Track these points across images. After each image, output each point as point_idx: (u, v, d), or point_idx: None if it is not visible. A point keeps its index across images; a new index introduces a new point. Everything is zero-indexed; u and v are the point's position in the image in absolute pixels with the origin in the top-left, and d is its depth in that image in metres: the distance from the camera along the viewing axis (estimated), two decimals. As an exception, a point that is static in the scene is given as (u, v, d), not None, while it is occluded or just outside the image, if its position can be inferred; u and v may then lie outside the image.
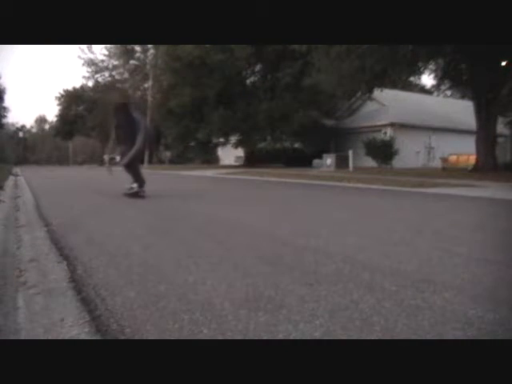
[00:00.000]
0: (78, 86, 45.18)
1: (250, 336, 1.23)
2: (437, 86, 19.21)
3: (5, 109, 38.73)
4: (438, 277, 1.81)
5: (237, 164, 25.69)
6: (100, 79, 41.40)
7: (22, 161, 49.52)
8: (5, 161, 40.03)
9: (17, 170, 20.08)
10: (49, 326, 1.34)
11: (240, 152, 26.29)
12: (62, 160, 54.62)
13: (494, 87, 12.51)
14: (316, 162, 19.32)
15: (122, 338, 1.23)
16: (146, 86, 36.19)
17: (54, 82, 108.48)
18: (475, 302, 1.48)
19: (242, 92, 22.47)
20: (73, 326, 1.34)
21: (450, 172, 12.82)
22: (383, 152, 17.56)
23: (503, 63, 12.13)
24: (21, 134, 61.78)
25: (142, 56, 38.73)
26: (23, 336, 1.29)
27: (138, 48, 37.75)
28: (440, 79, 16.23)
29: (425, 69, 14.70)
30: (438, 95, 30.12)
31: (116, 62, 40.04)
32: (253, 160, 23.82)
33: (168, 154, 32.32)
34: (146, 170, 5.89)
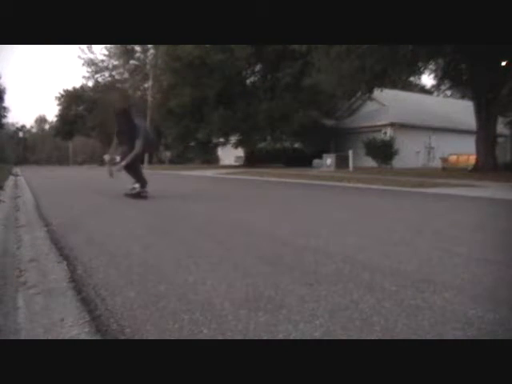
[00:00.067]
0: (78, 85, 45.27)
1: (250, 336, 1.23)
2: (437, 86, 19.22)
3: (5, 109, 38.76)
4: (438, 277, 1.81)
5: (237, 164, 25.70)
6: (100, 79, 41.44)
7: (21, 161, 49.53)
8: (5, 161, 40.03)
9: (17, 170, 20.09)
10: (49, 326, 1.34)
11: (240, 152, 26.29)
12: (62, 160, 54.63)
13: (493, 87, 12.51)
14: (316, 161, 19.33)
15: (122, 337, 1.23)
16: (146, 85, 36.19)
17: (54, 81, 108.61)
18: (475, 302, 1.48)
19: (241, 92, 22.47)
20: (73, 326, 1.34)
21: (450, 172, 12.82)
22: (383, 152, 17.56)
23: (503, 63, 12.13)
24: (21, 134, 61.78)
25: (141, 56, 38.75)
26: (23, 336, 1.29)
27: (138, 48, 37.77)
28: (440, 79, 16.23)
29: (425, 69, 14.70)
30: (438, 95, 30.12)
31: (116, 62, 40.06)
32: (253, 160, 23.82)
33: (168, 153, 32.33)
34: (146, 170, 5.89)
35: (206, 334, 1.25)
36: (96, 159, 45.26)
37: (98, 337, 1.26)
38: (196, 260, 2.12)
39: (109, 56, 39.63)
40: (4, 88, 36.94)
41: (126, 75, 40.06)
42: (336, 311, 1.41)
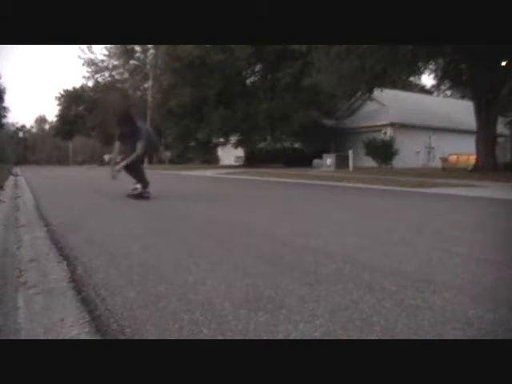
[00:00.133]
0: (78, 85, 45.26)
1: (250, 336, 1.23)
2: (437, 86, 19.22)
3: (5, 109, 38.73)
4: (438, 277, 1.81)
5: (237, 164, 25.69)
6: (100, 79, 41.48)
7: (21, 161, 49.50)
8: (5, 161, 40.01)
9: (17, 170, 20.09)
10: (49, 326, 1.34)
11: (240, 152, 26.29)
12: (62, 160, 54.60)
13: (494, 87, 12.51)
14: (316, 161, 19.33)
15: (122, 337, 1.23)
16: (146, 86, 36.21)
17: (54, 81, 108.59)
18: (475, 302, 1.48)
19: (242, 92, 22.47)
20: (73, 326, 1.34)
21: (450, 172, 12.82)
22: (383, 152, 17.56)
23: (503, 63, 12.13)
24: (21, 134, 61.76)
25: (142, 56, 38.77)
26: (23, 336, 1.29)
27: (138, 48, 37.78)
28: (440, 79, 16.23)
29: (425, 69, 14.71)
30: (438, 95, 30.12)
31: (116, 62, 40.09)
32: (253, 160, 23.83)
33: (168, 153, 32.32)
34: (146, 170, 5.88)
35: (206, 333, 1.25)
36: (96, 159, 45.24)
37: (98, 337, 1.26)
38: (196, 260, 2.12)
39: (109, 56, 39.67)
40: (4, 88, 36.93)
41: (126, 75, 40.09)
42: (336, 311, 1.41)
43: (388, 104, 20.52)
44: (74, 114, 43.90)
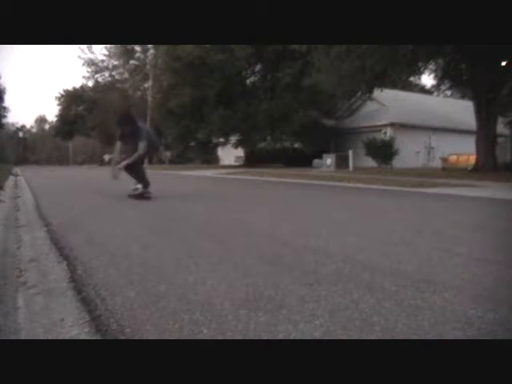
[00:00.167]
0: (78, 85, 45.24)
1: (250, 336, 1.23)
2: (437, 86, 19.22)
3: (5, 109, 38.69)
4: (438, 277, 1.81)
5: (237, 164, 25.69)
6: (100, 79, 41.48)
7: (22, 161, 49.47)
8: (5, 161, 39.99)
9: (17, 170, 20.09)
10: (49, 326, 1.34)
11: (240, 152, 26.29)
12: (62, 160, 54.58)
13: (494, 87, 12.51)
14: (316, 161, 19.33)
15: (122, 337, 1.23)
16: (146, 86, 36.21)
17: (54, 81, 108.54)
18: (475, 302, 1.48)
19: (242, 92, 22.47)
20: (73, 326, 1.34)
21: (450, 172, 12.82)
22: (383, 152, 17.56)
23: (503, 63, 12.13)
24: (21, 134, 61.74)
25: (142, 56, 38.77)
26: (23, 336, 1.29)
27: (138, 48, 37.79)
28: (440, 79, 16.23)
29: (425, 69, 14.70)
30: (438, 95, 30.12)
31: (116, 62, 40.09)
32: (253, 160, 23.82)
33: (168, 153, 32.33)
34: (146, 170, 5.88)
35: (206, 333, 1.25)
36: (96, 159, 45.22)
37: (98, 337, 1.26)
38: (196, 260, 2.12)
39: (109, 56, 39.68)
40: (4, 88, 36.90)
41: (126, 75, 40.10)
42: (336, 311, 1.41)
43: (388, 104, 20.51)
44: (74, 114, 43.89)
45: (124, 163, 5.30)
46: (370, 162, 18.06)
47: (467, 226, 3.40)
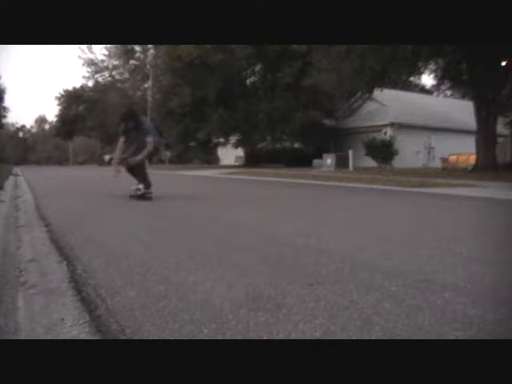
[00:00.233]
0: (78, 85, 45.20)
1: (250, 336, 1.23)
2: (437, 86, 19.24)
3: (5, 109, 38.65)
4: (438, 277, 1.81)
5: (237, 164, 25.70)
6: (100, 79, 41.50)
7: (22, 161, 49.47)
8: (5, 161, 39.98)
9: (17, 170, 20.08)
10: (49, 326, 1.34)
11: (240, 152, 26.29)
12: (62, 160, 54.54)
13: (493, 87, 12.51)
14: (316, 161, 19.33)
15: (122, 337, 1.23)
16: (145, 86, 36.21)
17: (54, 81, 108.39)
18: (475, 302, 1.48)
19: (241, 92, 22.48)
20: (73, 326, 1.34)
21: (450, 172, 12.82)
22: (383, 152, 17.56)
23: (503, 63, 12.13)
24: (21, 134, 61.76)
25: (141, 56, 38.78)
26: (23, 336, 1.29)
27: (138, 48, 37.81)
28: (440, 79, 16.24)
29: (425, 69, 14.72)
30: (437, 95, 30.10)
31: (116, 62, 40.11)
32: (253, 160, 23.83)
33: (168, 153, 32.33)
34: (147, 170, 5.86)
35: (205, 333, 1.24)
36: (96, 159, 45.22)
37: (98, 337, 1.26)
38: (196, 260, 2.12)
39: (109, 56, 39.71)
40: (4, 88, 36.87)
41: (126, 75, 40.11)
42: (336, 311, 1.41)
43: (388, 104, 20.51)
44: (73, 114, 43.85)
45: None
46: (369, 162, 18.06)
47: (467, 225, 3.40)
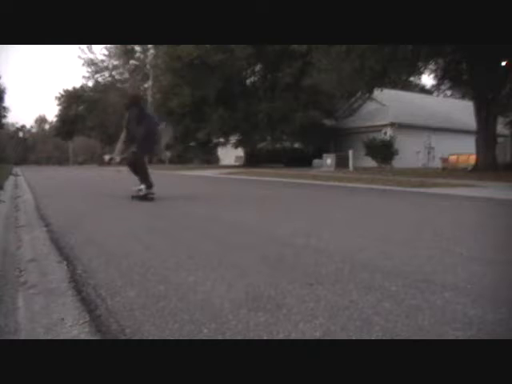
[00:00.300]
0: (78, 85, 45.17)
1: (250, 336, 1.23)
2: (437, 86, 19.24)
3: (5, 109, 38.62)
4: (438, 277, 1.81)
5: (237, 164, 25.69)
6: (100, 79, 41.49)
7: (22, 161, 49.46)
8: (5, 161, 39.97)
9: (17, 170, 20.08)
10: (49, 326, 1.34)
11: (240, 152, 26.29)
12: (62, 160, 54.51)
13: (494, 87, 12.51)
14: (316, 161, 19.33)
15: (122, 337, 1.23)
16: (145, 86, 36.21)
17: (54, 81, 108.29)
18: (475, 302, 1.48)
19: (241, 92, 22.48)
20: (73, 326, 1.34)
21: (450, 172, 12.81)
22: (383, 152, 17.56)
23: (503, 63, 12.13)
24: (21, 134, 61.75)
25: (141, 56, 38.78)
26: (23, 336, 1.29)
27: (138, 48, 37.80)
28: (440, 79, 16.24)
29: (425, 69, 14.72)
30: (437, 95, 30.10)
31: (116, 62, 40.10)
32: (253, 160, 23.82)
33: (168, 153, 32.32)
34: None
35: (205, 333, 1.24)
36: (96, 159, 45.19)
37: (98, 337, 1.26)
38: (196, 260, 2.12)
39: (109, 56, 39.70)
40: (4, 88, 36.84)
41: (126, 75, 40.10)
42: (336, 311, 1.41)
43: (388, 104, 20.51)
44: (73, 114, 43.82)
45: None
46: (369, 162, 18.06)
47: (467, 225, 3.41)
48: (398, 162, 17.70)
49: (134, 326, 1.30)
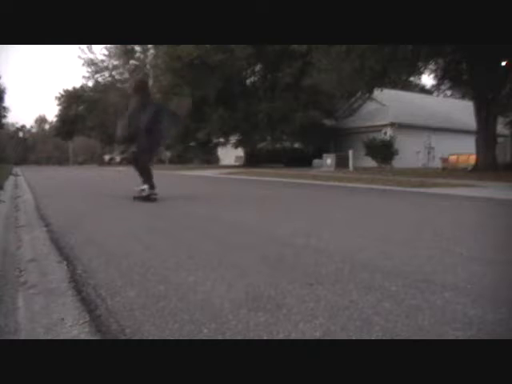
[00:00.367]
0: (78, 85, 45.17)
1: (250, 336, 1.23)
2: (437, 86, 19.25)
3: (5, 109, 38.65)
4: (438, 277, 1.81)
5: (237, 164, 25.70)
6: (100, 79, 41.47)
7: (22, 161, 49.45)
8: (5, 161, 39.97)
9: (17, 170, 20.08)
10: (49, 326, 1.34)
11: (240, 152, 26.30)
12: (62, 160, 54.51)
13: (494, 87, 12.51)
14: (316, 161, 19.34)
15: (122, 337, 1.23)
16: (145, 85, 36.10)
17: (54, 81, 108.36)
18: (475, 302, 1.48)
19: (241, 92, 22.49)
20: (73, 326, 1.34)
21: (450, 172, 12.81)
22: (383, 152, 17.57)
23: (503, 63, 12.14)
24: (21, 134, 61.76)
25: (141, 56, 38.76)
26: (23, 336, 1.29)
27: (138, 48, 37.79)
28: (440, 79, 16.25)
29: (425, 69, 14.72)
30: (437, 95, 30.10)
31: (116, 62, 40.09)
32: (253, 160, 23.83)
33: (168, 153, 32.32)
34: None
35: (206, 333, 1.24)
36: (96, 159, 45.19)
37: (98, 337, 1.26)
38: (196, 260, 2.12)
39: (109, 56, 39.69)
40: (4, 88, 36.86)
41: (126, 75, 40.07)
42: (336, 311, 1.41)
43: (388, 104, 20.52)
44: (74, 114, 43.81)
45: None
46: (369, 162, 18.06)
47: (467, 225, 3.41)
48: (398, 162, 17.71)
49: (133, 326, 1.30)
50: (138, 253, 2.32)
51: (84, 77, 49.72)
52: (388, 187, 7.87)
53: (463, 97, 25.07)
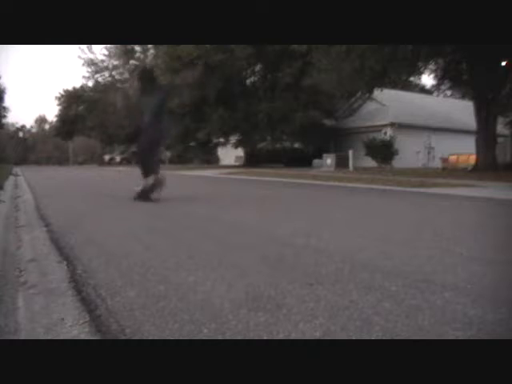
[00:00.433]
0: (78, 85, 45.13)
1: (250, 336, 1.23)
2: (437, 86, 19.25)
3: (5, 109, 38.63)
4: (438, 277, 1.81)
5: (237, 164, 25.70)
6: (100, 79, 41.43)
7: (22, 161, 49.46)
8: (5, 161, 39.96)
9: (17, 170, 20.08)
10: (49, 326, 1.34)
11: (240, 152, 26.30)
12: (62, 160, 54.50)
13: (494, 87, 12.51)
14: (316, 161, 19.34)
15: (122, 337, 1.23)
16: (146, 85, 36.10)
17: (54, 81, 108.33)
18: (475, 302, 1.48)
19: (241, 92, 22.49)
20: (73, 326, 1.34)
21: (450, 172, 12.81)
22: (383, 152, 17.57)
23: (503, 63, 12.14)
24: (21, 134, 61.78)
25: (141, 56, 38.75)
26: (23, 336, 1.29)
27: (138, 48, 37.77)
28: (440, 79, 16.25)
29: (425, 69, 14.73)
30: (437, 95, 30.10)
31: (116, 62, 40.06)
32: (253, 160, 23.83)
33: (168, 153, 32.31)
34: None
35: (205, 333, 1.25)
36: (96, 159, 45.18)
37: (98, 337, 1.26)
38: (196, 260, 2.12)
39: (109, 56, 39.66)
40: (4, 88, 36.84)
41: (126, 75, 40.05)
42: (336, 311, 1.41)
43: (388, 104, 20.52)
44: (74, 114, 43.75)
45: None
46: (369, 162, 18.06)
47: (467, 225, 3.40)
48: (397, 162, 17.71)
49: (133, 326, 1.30)
50: (138, 253, 2.32)
51: (84, 77, 49.66)
52: (388, 187, 7.87)
53: (463, 97, 25.07)
